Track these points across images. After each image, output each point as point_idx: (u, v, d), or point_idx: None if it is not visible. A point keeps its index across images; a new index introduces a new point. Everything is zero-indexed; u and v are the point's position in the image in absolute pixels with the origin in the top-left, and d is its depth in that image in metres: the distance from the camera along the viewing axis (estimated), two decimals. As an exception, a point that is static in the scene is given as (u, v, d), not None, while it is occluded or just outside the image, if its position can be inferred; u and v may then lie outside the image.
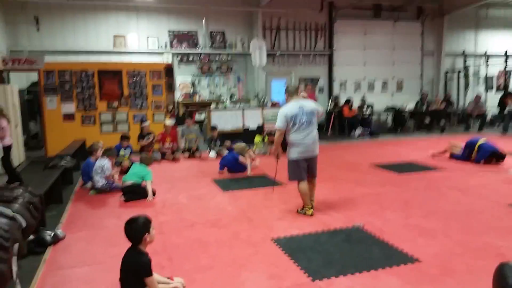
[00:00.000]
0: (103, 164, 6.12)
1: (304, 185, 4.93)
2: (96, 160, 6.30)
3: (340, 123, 13.06)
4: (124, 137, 7.93)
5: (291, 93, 5.04)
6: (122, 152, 7.61)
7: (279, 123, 4.90)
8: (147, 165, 6.02)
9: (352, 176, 6.87)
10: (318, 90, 13.86)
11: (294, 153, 4.91)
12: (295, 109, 4.85)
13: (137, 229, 2.71)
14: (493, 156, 7.59)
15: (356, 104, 13.23)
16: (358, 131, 12.36)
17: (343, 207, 5.17)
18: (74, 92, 9.56)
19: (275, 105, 11.61)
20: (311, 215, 4.85)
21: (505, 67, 14.53)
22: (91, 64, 9.87)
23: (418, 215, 4.77)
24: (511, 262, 2.99)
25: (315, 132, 4.95)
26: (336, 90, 13.98)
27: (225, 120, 10.62)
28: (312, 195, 5.07)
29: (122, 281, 2.76)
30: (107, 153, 6.38)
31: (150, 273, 2.66)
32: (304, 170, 4.96)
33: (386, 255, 3.67)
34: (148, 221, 2.77)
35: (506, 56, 14.20)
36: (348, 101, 12.87)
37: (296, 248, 3.86)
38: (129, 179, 5.77)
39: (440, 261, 3.52)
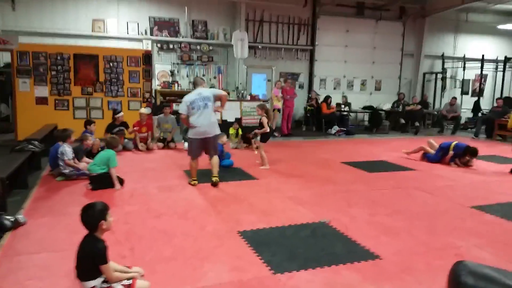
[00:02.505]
0: (62, 149, 5.97)
1: (193, 163, 5.90)
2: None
3: (317, 120, 13.14)
4: (90, 122, 7.73)
5: (195, 83, 6.05)
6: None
7: (181, 109, 5.85)
8: (113, 148, 5.80)
9: (324, 173, 6.92)
10: (298, 86, 13.89)
11: (191, 133, 5.84)
12: (194, 96, 5.77)
13: (93, 216, 2.66)
14: (468, 151, 7.78)
15: (337, 101, 13.34)
16: (334, 129, 12.45)
17: (312, 203, 5.20)
18: (49, 75, 9.32)
19: (254, 98, 11.60)
20: (194, 185, 5.83)
21: (481, 72, 14.85)
22: (66, 47, 9.65)
23: (383, 213, 4.84)
24: (466, 261, 3.07)
25: (210, 118, 5.79)
26: (316, 86, 14.04)
27: (202, 111, 10.50)
28: (215, 169, 5.93)
29: (78, 269, 2.71)
30: (62, 135, 6.14)
31: (105, 261, 2.62)
32: (199, 148, 5.88)
33: (349, 251, 3.71)
34: (105, 208, 2.72)
35: (483, 60, 14.51)
36: (326, 99, 12.93)
37: (261, 242, 3.87)
38: (95, 169, 5.59)
39: (401, 259, 3.58)
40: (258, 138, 7.37)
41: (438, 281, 3.13)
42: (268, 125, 7.07)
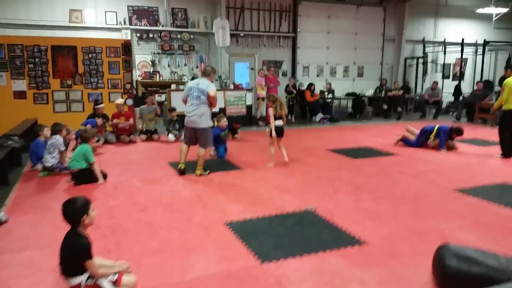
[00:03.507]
0: (56, 140, 5.87)
1: (182, 146, 6.04)
2: (45, 140, 6.04)
3: (301, 108, 13.15)
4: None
5: (203, 72, 6.05)
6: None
7: (183, 94, 6.03)
8: (86, 141, 5.63)
9: (309, 160, 6.94)
10: (282, 73, 13.84)
11: (185, 121, 5.97)
12: (193, 84, 5.93)
13: (75, 211, 2.61)
14: (453, 132, 7.88)
15: (321, 88, 13.36)
16: (318, 116, 12.49)
17: (298, 190, 5.22)
18: (26, 68, 9.08)
19: (237, 87, 11.52)
20: (180, 169, 5.94)
21: (461, 55, 15.02)
22: (43, 38, 9.37)
23: (368, 199, 4.89)
24: (450, 244, 3.13)
25: (200, 108, 5.77)
26: (299, 74, 14.02)
27: (185, 101, 10.39)
28: (199, 161, 5.96)
29: (62, 265, 2.66)
30: (55, 128, 6.06)
31: (89, 256, 2.58)
32: (189, 137, 5.99)
33: (335, 237, 3.74)
34: (87, 202, 2.67)
35: (463, 44, 14.65)
36: (310, 86, 12.93)
37: (248, 232, 3.87)
38: (74, 165, 5.44)
39: (386, 244, 3.63)
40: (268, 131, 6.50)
41: (423, 264, 3.18)
42: (277, 116, 6.41)
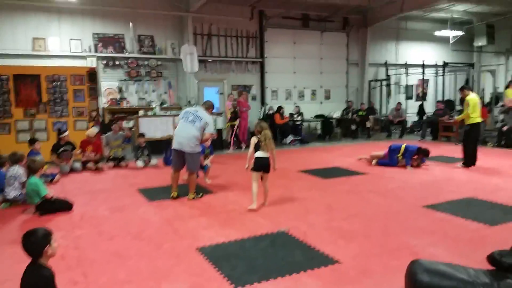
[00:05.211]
0: (16, 171, 5.63)
1: (173, 174, 5.99)
2: (6, 171, 5.80)
3: (272, 131, 13.22)
4: (34, 140, 7.45)
5: (203, 104, 6.38)
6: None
7: (178, 117, 6.13)
8: (35, 172, 5.32)
9: (281, 183, 6.94)
10: (251, 98, 13.95)
11: (173, 143, 5.93)
12: (191, 109, 6.06)
13: (35, 242, 2.49)
14: (420, 152, 8.08)
15: (290, 111, 13.53)
16: (289, 138, 12.62)
17: (271, 213, 5.18)
18: (-14, 98, 8.80)
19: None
20: (173, 197, 5.90)
21: (423, 77, 15.63)
22: (5, 67, 9.15)
23: (340, 218, 4.91)
24: (421, 259, 3.16)
25: (191, 132, 5.72)
26: (268, 98, 14.18)
27: (154, 127, 10.30)
28: (190, 185, 5.93)
29: (23, 302, 2.51)
30: (14, 158, 5.81)
31: (52, 288, 2.45)
32: (177, 161, 5.93)
33: (308, 258, 3.71)
34: (49, 233, 2.56)
35: (424, 66, 15.27)
36: (279, 109, 13.08)
37: (220, 256, 3.79)
38: (33, 201, 5.21)
39: (359, 262, 3.62)
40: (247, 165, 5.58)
41: (396, 281, 3.18)
42: (257, 148, 5.50)
